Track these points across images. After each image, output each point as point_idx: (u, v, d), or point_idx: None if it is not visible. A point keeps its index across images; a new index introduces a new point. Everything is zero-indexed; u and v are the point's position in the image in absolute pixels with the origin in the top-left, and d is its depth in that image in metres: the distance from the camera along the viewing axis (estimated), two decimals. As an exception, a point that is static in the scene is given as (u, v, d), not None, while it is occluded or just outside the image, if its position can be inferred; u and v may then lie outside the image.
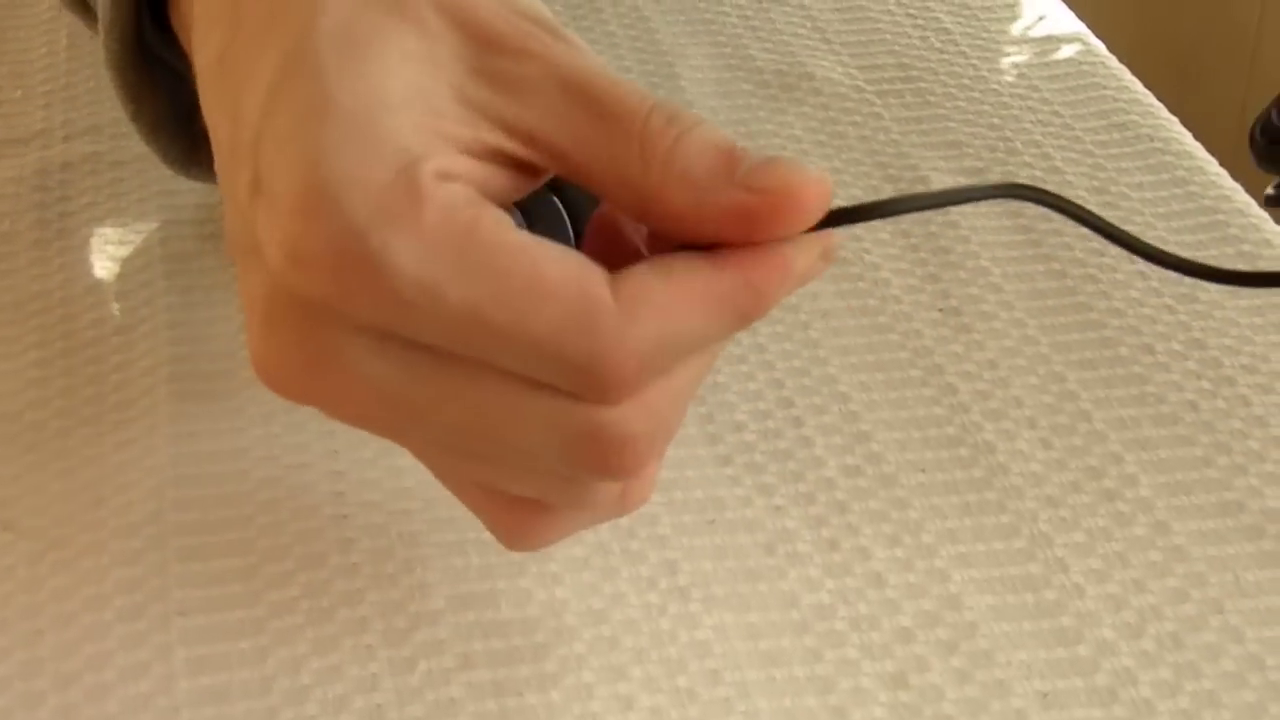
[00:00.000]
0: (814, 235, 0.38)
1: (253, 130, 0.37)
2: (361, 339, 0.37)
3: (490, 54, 0.37)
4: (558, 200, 0.52)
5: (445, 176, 0.36)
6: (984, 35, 0.76)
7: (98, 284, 0.58)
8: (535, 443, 0.38)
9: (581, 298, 0.36)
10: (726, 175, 0.36)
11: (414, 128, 0.36)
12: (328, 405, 0.39)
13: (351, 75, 0.36)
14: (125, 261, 0.59)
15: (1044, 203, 0.42)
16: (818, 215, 0.37)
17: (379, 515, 0.50)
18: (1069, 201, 0.42)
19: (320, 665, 0.46)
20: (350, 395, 0.38)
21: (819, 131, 0.69)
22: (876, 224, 0.63)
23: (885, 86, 0.72)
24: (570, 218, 0.52)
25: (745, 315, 0.37)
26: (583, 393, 0.37)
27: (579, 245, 0.47)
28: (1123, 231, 0.43)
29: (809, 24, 0.76)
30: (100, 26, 0.50)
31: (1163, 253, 0.43)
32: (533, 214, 0.49)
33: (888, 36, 0.75)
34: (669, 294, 0.36)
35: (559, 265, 0.36)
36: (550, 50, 0.38)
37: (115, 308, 0.57)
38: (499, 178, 0.38)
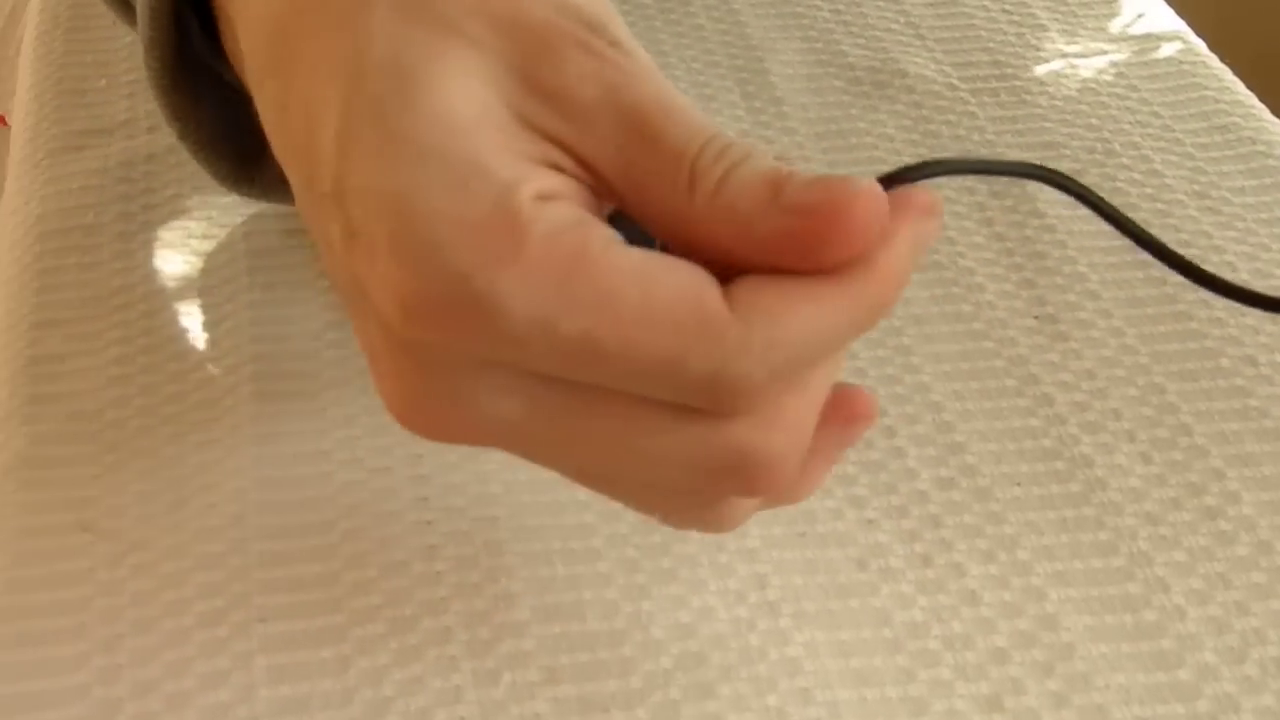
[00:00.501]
0: (907, 197, 0.36)
1: (331, 178, 0.36)
2: (485, 376, 0.36)
3: (542, 65, 0.36)
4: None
5: (545, 197, 0.35)
6: (1082, 32, 0.74)
7: (181, 279, 0.58)
8: (675, 470, 0.37)
9: (698, 313, 0.34)
10: (770, 204, 0.35)
11: (491, 149, 0.35)
12: (469, 440, 0.38)
13: (414, 109, 0.35)
14: (209, 256, 0.58)
15: (1068, 190, 0.40)
16: (874, 228, 0.35)
17: (463, 522, 0.49)
18: (1091, 192, 0.41)
19: (402, 676, 0.45)
20: (486, 430, 0.37)
21: (912, 130, 0.67)
22: (971, 228, 0.62)
23: (979, 84, 0.70)
24: None
25: (872, 308, 0.36)
26: (712, 408, 0.35)
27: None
28: (1145, 232, 0.41)
29: (902, 19, 0.74)
30: (141, 43, 0.48)
31: (1182, 259, 0.41)
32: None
33: (983, 33, 0.74)
34: (786, 297, 0.35)
35: (672, 281, 0.34)
36: (606, 65, 0.36)
37: (198, 304, 0.56)
38: (584, 194, 0.36)
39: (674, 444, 0.36)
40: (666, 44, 0.71)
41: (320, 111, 0.36)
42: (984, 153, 0.66)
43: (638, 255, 0.35)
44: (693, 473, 0.37)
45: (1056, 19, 0.75)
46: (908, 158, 0.65)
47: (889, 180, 0.37)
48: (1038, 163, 0.44)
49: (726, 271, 0.36)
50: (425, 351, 0.36)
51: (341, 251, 0.36)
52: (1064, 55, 0.72)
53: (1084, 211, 0.63)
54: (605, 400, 0.36)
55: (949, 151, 0.66)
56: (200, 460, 0.51)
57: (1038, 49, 0.73)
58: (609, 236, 0.35)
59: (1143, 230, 0.42)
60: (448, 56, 0.36)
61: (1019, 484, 0.52)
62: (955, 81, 0.70)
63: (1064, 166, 0.65)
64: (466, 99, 0.35)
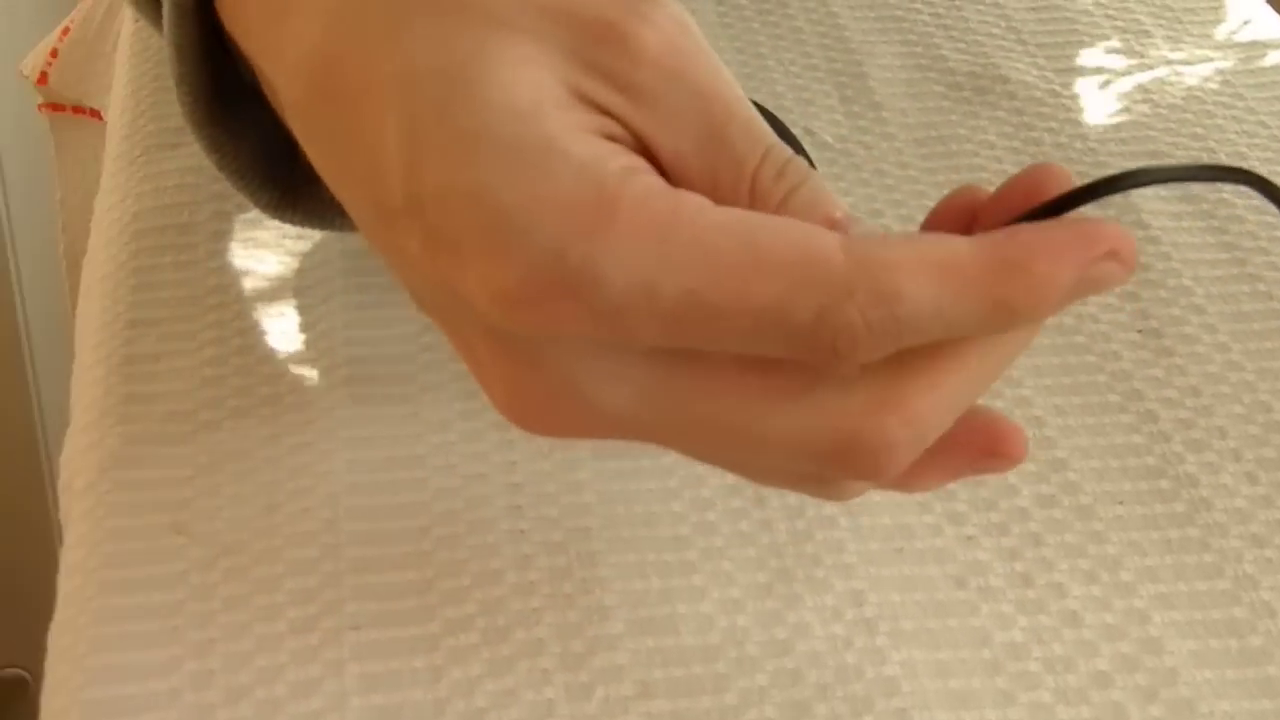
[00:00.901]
0: (1102, 232, 0.35)
1: (402, 192, 0.35)
2: (594, 364, 0.35)
3: (599, 44, 0.36)
4: None
5: (632, 170, 0.34)
6: (1186, 39, 0.73)
7: (276, 279, 0.57)
8: (788, 452, 0.36)
9: (804, 255, 0.33)
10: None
11: (561, 128, 0.35)
12: (587, 433, 0.37)
13: (476, 103, 0.35)
14: (304, 256, 0.58)
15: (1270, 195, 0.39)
16: None
17: (557, 532, 0.49)
18: None
19: (495, 688, 0.45)
20: (601, 422, 0.37)
21: (1013, 137, 0.66)
22: (1073, 237, 0.61)
23: (1082, 91, 0.69)
24: None
25: (1007, 308, 0.34)
26: (820, 358, 0.34)
27: None
28: None
29: (1003, 23, 0.73)
30: (173, 77, 0.46)
31: None
32: None
33: (1085, 37, 0.73)
34: (907, 254, 0.34)
35: (773, 227, 0.34)
36: (666, 41, 0.36)
37: (293, 304, 0.56)
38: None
39: (788, 423, 0.36)
40: (764, 46, 0.70)
41: (378, 131, 0.36)
42: (1088, 161, 0.65)
43: (736, 212, 0.34)
44: (805, 455, 0.36)
45: (1161, 24, 0.74)
46: (1009, 166, 0.65)
47: (1084, 193, 0.36)
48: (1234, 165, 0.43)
49: None
50: (530, 346, 0.35)
51: (426, 261, 0.36)
52: (1168, 62, 0.71)
53: (1189, 223, 0.62)
54: (715, 375, 0.35)
55: (1051, 160, 0.65)
56: (294, 463, 0.51)
57: (1142, 55, 0.72)
58: (702, 199, 0.34)
59: None
60: (499, 48, 0.35)
61: (1122, 502, 0.51)
62: (1057, 88, 0.69)
63: (1168, 176, 0.64)
64: (525, 84, 0.35)
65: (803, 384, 0.36)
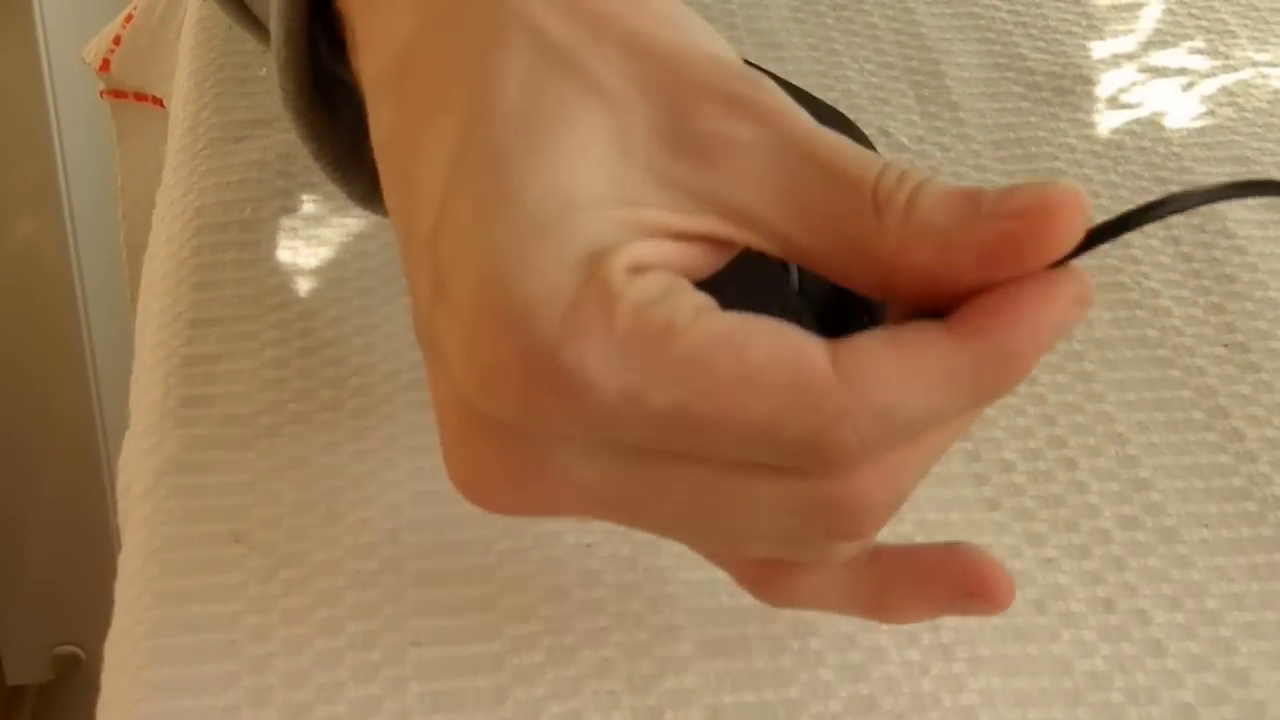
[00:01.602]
0: (1064, 279, 0.34)
1: (429, 223, 0.34)
2: (565, 447, 0.34)
3: (689, 117, 0.34)
4: None
5: (637, 269, 0.33)
6: (1272, 39, 0.71)
7: (339, 279, 0.56)
8: (765, 522, 0.35)
9: (796, 377, 0.33)
10: (973, 213, 0.33)
11: (606, 223, 0.33)
12: (538, 512, 0.36)
13: (534, 168, 0.33)
14: (369, 256, 0.57)
15: None
16: (1077, 233, 0.33)
17: (625, 546, 0.48)
18: None
19: (560, 710, 0.43)
20: (561, 500, 0.35)
21: (1094, 140, 0.65)
22: (1156, 246, 0.59)
23: (1165, 93, 0.67)
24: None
25: (992, 388, 0.34)
26: (808, 470, 0.34)
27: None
28: None
29: (1084, 22, 0.72)
30: (274, 65, 0.45)
31: None
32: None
33: (1169, 38, 0.71)
34: (898, 366, 0.33)
35: (769, 345, 0.33)
36: (760, 107, 0.34)
37: (356, 306, 0.55)
38: (698, 254, 0.35)
39: (763, 496, 0.35)
40: (838, 42, 0.69)
41: (432, 149, 0.35)
42: (1171, 166, 0.63)
43: (732, 319, 0.33)
44: (779, 521, 0.35)
45: (1246, 25, 0.72)
46: (1090, 170, 0.63)
47: (1116, 225, 0.35)
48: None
49: (928, 299, 0.34)
50: (498, 425, 0.34)
51: (427, 305, 0.34)
52: (1254, 64, 0.69)
53: (1276, 232, 0.60)
54: (693, 464, 0.34)
55: (1133, 165, 0.63)
56: (356, 471, 0.49)
57: (1226, 56, 0.70)
58: (699, 303, 0.33)
59: None
60: (581, 113, 0.34)
61: (1207, 525, 0.49)
62: (1140, 89, 0.67)
63: (1250, 174, 0.62)
64: (592, 165, 0.34)
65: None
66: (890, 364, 0.33)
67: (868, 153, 0.34)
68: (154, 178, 0.69)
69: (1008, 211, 0.33)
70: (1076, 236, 0.33)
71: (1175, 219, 0.60)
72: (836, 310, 0.51)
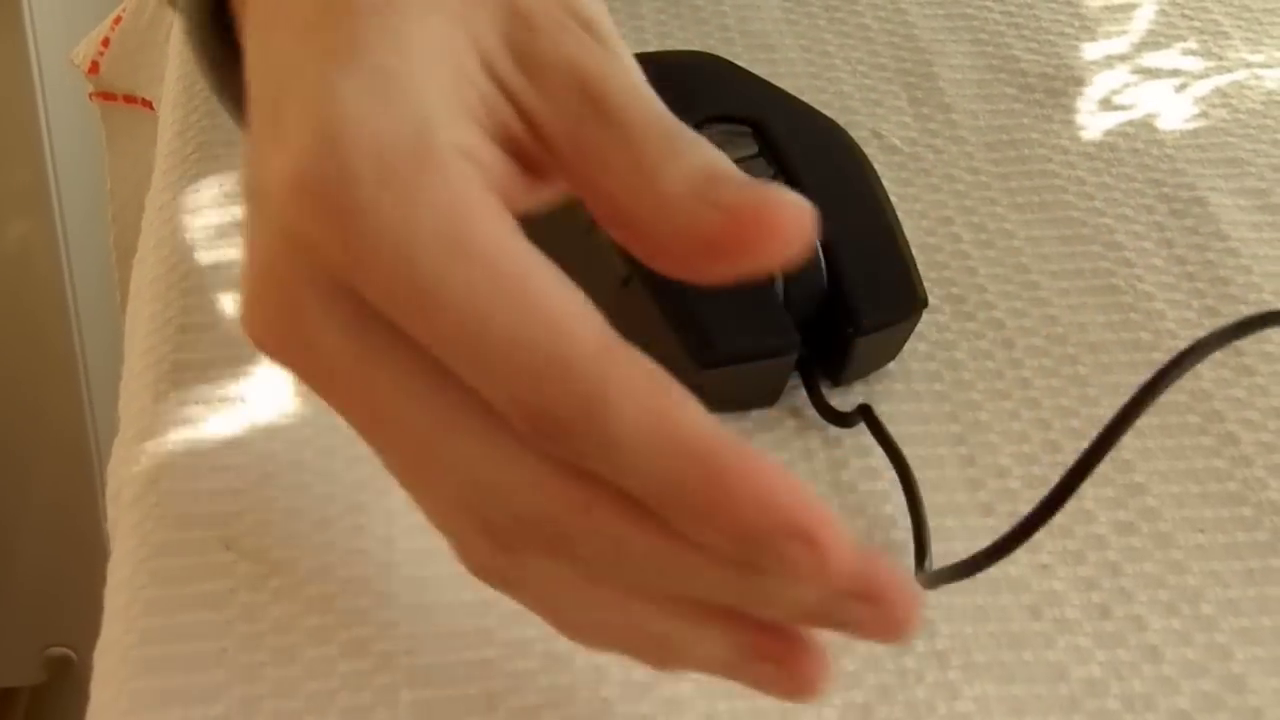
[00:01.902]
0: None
1: (277, 86, 0.35)
2: (330, 304, 0.35)
3: (524, 31, 0.36)
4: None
5: (465, 154, 0.34)
6: (1266, 40, 0.71)
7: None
8: (462, 468, 0.36)
9: (565, 326, 0.33)
10: (703, 194, 0.34)
11: (440, 92, 0.35)
12: (296, 365, 0.36)
13: (384, 29, 0.35)
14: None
15: None
16: (793, 245, 0.34)
17: (617, 553, 0.47)
18: None
19: (555, 717, 0.43)
20: (311, 361, 0.36)
21: (1087, 142, 0.64)
22: (1150, 249, 0.59)
23: (1158, 94, 0.67)
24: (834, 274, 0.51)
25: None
26: (524, 423, 0.34)
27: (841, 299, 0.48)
28: None
29: (1077, 23, 0.71)
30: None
31: None
32: None
33: (1161, 39, 0.71)
34: (659, 394, 0.33)
35: (557, 291, 0.34)
36: (580, 48, 0.36)
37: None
38: (509, 174, 0.37)
39: (477, 445, 0.35)
40: (831, 44, 0.69)
41: (290, 21, 0.36)
42: (1164, 168, 0.63)
43: (531, 252, 0.34)
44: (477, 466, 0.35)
45: (1239, 26, 0.72)
46: (1082, 171, 0.63)
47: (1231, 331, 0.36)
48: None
49: (652, 253, 0.36)
50: (291, 252, 0.35)
51: (267, 144, 0.35)
52: (1247, 65, 0.69)
53: (1270, 234, 0.60)
54: (425, 375, 0.35)
55: (1127, 166, 0.63)
56: (349, 478, 0.49)
57: (1220, 57, 0.70)
58: (507, 217, 0.34)
59: None
60: (439, 6, 0.36)
61: (1203, 530, 0.49)
62: (1133, 90, 0.67)
63: (1248, 185, 0.62)
64: (438, 38, 0.35)
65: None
66: (642, 381, 0.33)
67: (660, 113, 0.36)
68: (144, 181, 0.69)
69: (725, 204, 0.34)
70: (791, 246, 0.34)
71: (1170, 222, 0.60)
72: (821, 321, 0.51)
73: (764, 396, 0.52)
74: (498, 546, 0.37)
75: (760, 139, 0.53)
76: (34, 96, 1.25)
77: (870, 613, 0.35)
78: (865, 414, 0.51)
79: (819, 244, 0.51)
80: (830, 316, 0.51)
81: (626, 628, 0.37)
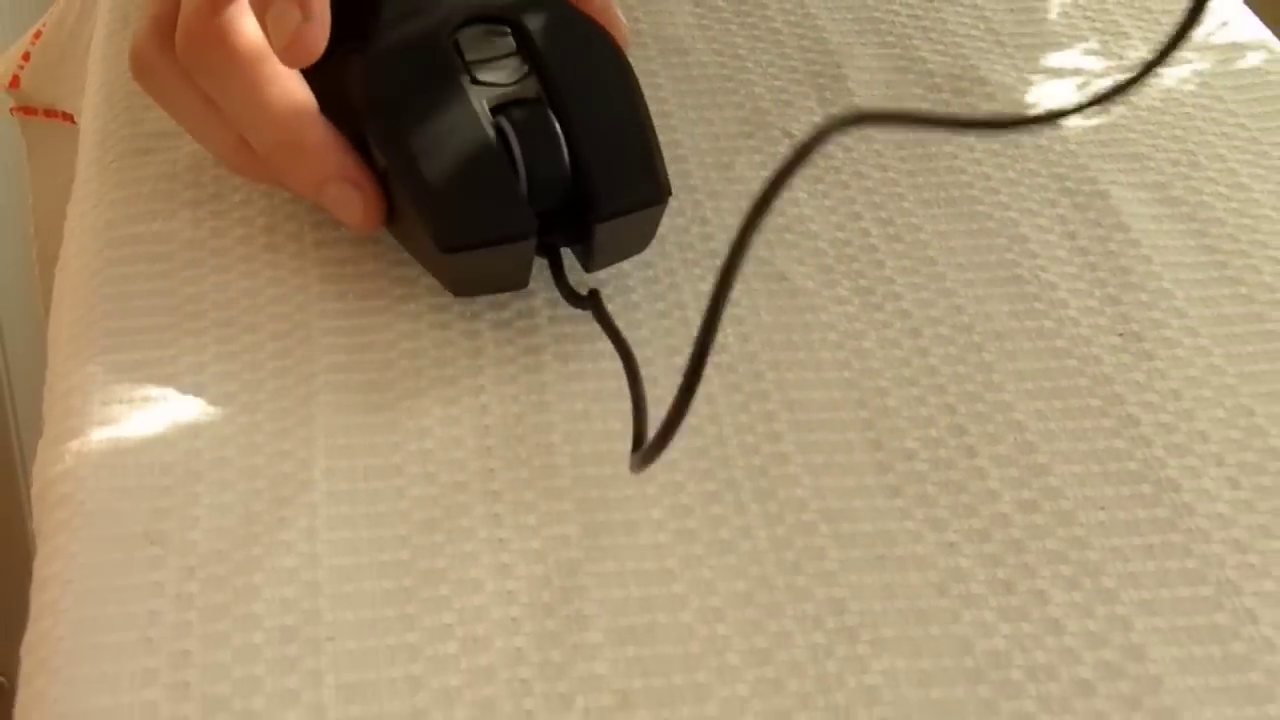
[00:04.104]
0: None
1: None
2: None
3: None
4: (552, 114, 0.54)
5: None
6: (1164, 40, 0.72)
7: (252, 289, 0.57)
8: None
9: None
10: None
11: None
12: (154, 94, 0.58)
13: None
14: (279, 265, 0.58)
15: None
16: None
17: (536, 540, 0.49)
18: None
19: (473, 698, 0.44)
20: (163, 95, 0.57)
21: (992, 139, 0.66)
22: (1053, 241, 0.61)
23: (1060, 92, 0.69)
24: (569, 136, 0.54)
25: None
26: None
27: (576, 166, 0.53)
28: None
29: (981, 25, 0.73)
30: None
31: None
32: (523, 125, 0.53)
33: (1064, 39, 0.72)
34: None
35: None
36: None
37: (269, 313, 0.56)
38: None
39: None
40: (742, 48, 0.70)
41: None
42: (1067, 164, 0.65)
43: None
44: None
45: (1139, 26, 0.74)
46: (989, 168, 0.64)
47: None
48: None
49: None
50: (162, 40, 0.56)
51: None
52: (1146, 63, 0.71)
53: (1170, 226, 0.62)
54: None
55: (1031, 162, 0.65)
56: (273, 473, 0.50)
57: (1120, 56, 0.71)
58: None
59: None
60: None
61: (1103, 508, 0.51)
62: (1036, 89, 0.69)
63: (1149, 179, 0.64)
64: None
65: None
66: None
67: None
68: (64, 193, 0.69)
69: None
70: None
71: (1073, 215, 0.62)
72: (567, 208, 0.54)
73: (512, 279, 0.55)
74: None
75: (518, 37, 0.55)
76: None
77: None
78: (593, 298, 0.54)
79: (561, 133, 0.53)
80: (574, 203, 0.54)
81: None
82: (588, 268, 0.56)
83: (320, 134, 0.54)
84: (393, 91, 0.54)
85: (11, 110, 0.83)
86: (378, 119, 0.54)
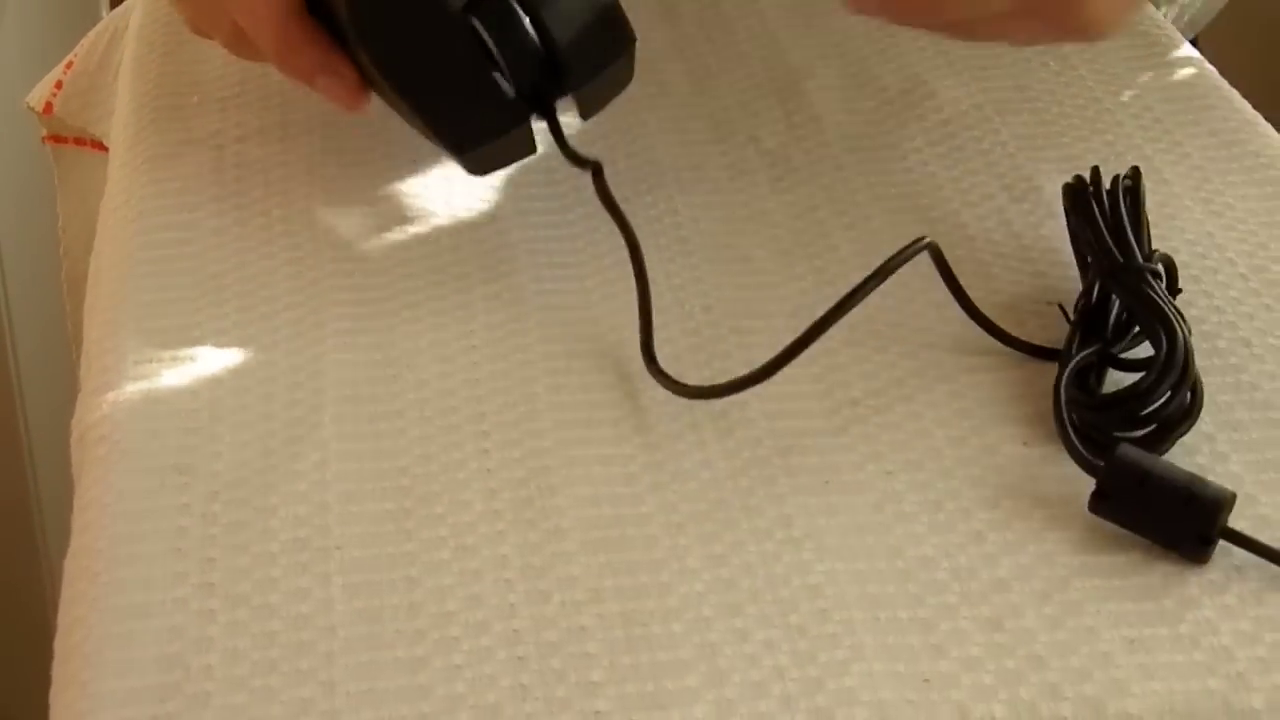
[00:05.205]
0: None
1: None
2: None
3: None
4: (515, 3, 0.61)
5: None
6: (1100, 60, 0.79)
7: (270, 267, 0.64)
8: None
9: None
10: None
11: None
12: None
13: None
14: (298, 246, 0.64)
15: None
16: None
17: (520, 470, 0.55)
18: None
19: (464, 594, 0.51)
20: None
21: (939, 145, 0.73)
22: (991, 227, 0.67)
23: (1004, 106, 0.75)
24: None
25: None
26: None
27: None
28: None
29: (932, 47, 0.80)
30: None
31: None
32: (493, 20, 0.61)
33: (1005, 60, 0.79)
34: None
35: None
36: None
37: (287, 286, 0.62)
38: None
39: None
40: (714, 66, 0.77)
41: None
42: (1006, 164, 0.71)
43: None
44: None
45: (1079, 49, 0.80)
46: (935, 169, 0.71)
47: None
48: None
49: None
50: None
51: None
52: (1084, 81, 0.78)
53: (1095, 214, 0.68)
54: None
55: (973, 163, 0.71)
56: (287, 416, 0.57)
57: (1058, 74, 0.78)
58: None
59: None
60: None
61: (1026, 443, 0.57)
62: (982, 103, 0.76)
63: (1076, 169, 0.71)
64: None
65: None
66: None
67: None
68: (92, 217, 0.76)
69: None
70: None
71: (1009, 205, 0.68)
72: (551, 74, 0.62)
73: (520, 152, 0.63)
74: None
75: None
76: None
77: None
78: (596, 174, 0.63)
79: (526, 17, 0.61)
80: (555, 67, 0.62)
81: None
82: (584, 115, 0.64)
83: (304, 34, 0.62)
84: (374, 15, 0.61)
85: (44, 139, 0.90)
86: (367, 41, 0.61)
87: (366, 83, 0.63)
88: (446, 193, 0.68)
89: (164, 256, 0.64)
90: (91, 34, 0.86)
